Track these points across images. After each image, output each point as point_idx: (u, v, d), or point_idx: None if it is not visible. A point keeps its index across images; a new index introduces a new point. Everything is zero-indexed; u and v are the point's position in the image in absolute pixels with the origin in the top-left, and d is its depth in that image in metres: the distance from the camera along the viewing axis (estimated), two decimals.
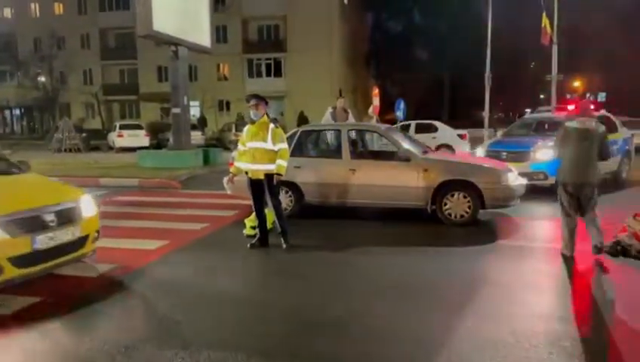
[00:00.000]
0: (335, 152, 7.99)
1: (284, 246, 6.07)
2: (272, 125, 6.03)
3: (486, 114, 21.85)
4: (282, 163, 6.01)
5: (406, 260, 5.66)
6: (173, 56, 14.28)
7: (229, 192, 8.25)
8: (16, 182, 5.20)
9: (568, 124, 5.73)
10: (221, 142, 23.80)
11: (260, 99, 6.05)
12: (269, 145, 5.95)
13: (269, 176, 6.00)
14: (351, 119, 10.12)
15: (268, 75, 38.63)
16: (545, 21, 20.75)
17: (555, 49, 21.15)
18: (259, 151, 5.97)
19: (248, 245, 6.18)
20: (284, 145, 6.07)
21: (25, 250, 4.24)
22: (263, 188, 6.07)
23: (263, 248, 6.15)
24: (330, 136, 8.76)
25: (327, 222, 7.70)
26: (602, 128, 5.60)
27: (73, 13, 41.96)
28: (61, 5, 42.62)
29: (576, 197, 5.53)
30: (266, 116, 6.07)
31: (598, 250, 5.51)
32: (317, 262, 5.63)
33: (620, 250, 5.52)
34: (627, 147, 11.50)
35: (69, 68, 39.49)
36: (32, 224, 4.36)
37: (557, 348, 3.43)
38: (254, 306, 4.32)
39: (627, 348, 3.49)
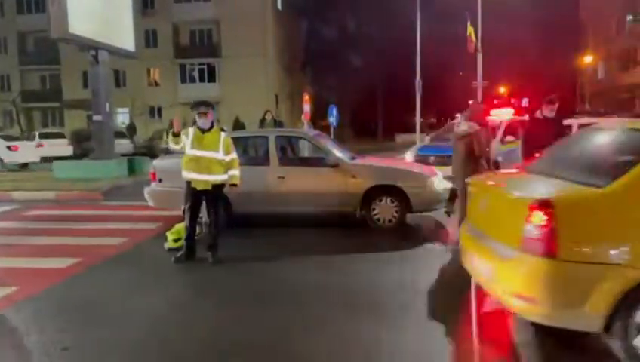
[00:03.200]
0: (263, 159, 7.77)
1: (211, 260, 5.74)
2: (223, 134, 5.79)
3: (417, 119, 22.42)
4: (237, 173, 5.84)
5: (334, 270, 5.52)
6: (92, 60, 13.47)
7: (150, 204, 7.86)
8: None
9: (455, 128, 6.64)
10: (151, 151, 22.84)
11: (209, 106, 5.80)
12: (220, 155, 5.69)
13: (217, 187, 5.76)
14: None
15: (201, 80, 37.73)
16: (470, 30, 21.64)
17: (479, 57, 22.07)
18: (211, 161, 5.66)
19: (172, 259, 5.81)
20: (235, 155, 5.88)
21: None
22: (202, 199, 5.78)
23: (188, 262, 5.79)
24: (257, 143, 8.51)
25: (256, 232, 7.46)
26: (473, 130, 6.24)
27: None
28: None
29: (458, 190, 6.36)
30: (215, 124, 5.85)
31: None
32: (244, 277, 5.37)
33: None
34: None
35: None
36: None
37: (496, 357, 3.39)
38: (168, 327, 4.00)
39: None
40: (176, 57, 37.64)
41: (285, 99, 39.10)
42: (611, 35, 36.07)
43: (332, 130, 16.45)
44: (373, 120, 44.61)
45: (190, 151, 5.68)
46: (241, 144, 8.34)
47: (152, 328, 3.99)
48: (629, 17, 28.50)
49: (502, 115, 12.03)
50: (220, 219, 5.91)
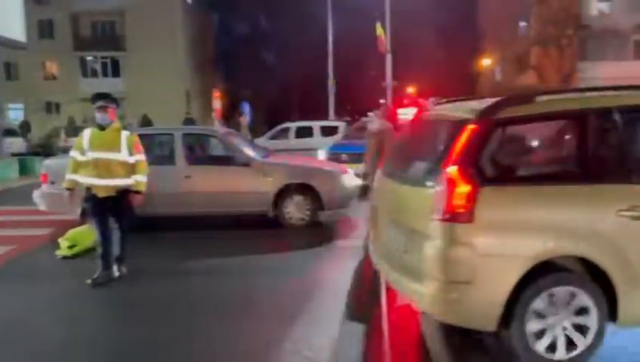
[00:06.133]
0: (168, 159, 7.34)
1: (117, 273, 5.11)
2: (125, 132, 5.09)
3: (331, 118, 22.69)
4: (141, 179, 5.09)
5: (241, 271, 5.35)
6: None
7: (41, 208, 7.19)
8: None
9: (368, 126, 7.02)
10: (48, 150, 21.05)
11: (109, 100, 5.06)
12: (123, 155, 4.99)
13: (122, 193, 5.03)
14: None
15: (104, 74, 35.50)
16: (380, 30, 22.25)
17: (389, 57, 22.77)
18: (112, 163, 4.95)
19: (89, 281, 4.90)
20: (142, 157, 5.15)
21: None
22: (107, 206, 5.02)
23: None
24: (162, 142, 8.00)
25: (163, 235, 7.06)
26: (384, 127, 6.56)
27: None
28: None
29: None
30: (117, 121, 5.12)
31: None
32: (148, 285, 5.03)
33: None
34: None
35: None
36: None
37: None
38: (57, 345, 3.62)
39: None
40: (75, 50, 35.10)
41: (197, 96, 37.91)
42: (506, 40, 38.88)
43: (247, 128, 16.15)
44: (288, 118, 44.53)
45: (91, 153, 4.97)
46: (145, 142, 7.85)
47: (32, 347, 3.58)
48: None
49: (410, 114, 12.42)
50: (125, 230, 5.20)
